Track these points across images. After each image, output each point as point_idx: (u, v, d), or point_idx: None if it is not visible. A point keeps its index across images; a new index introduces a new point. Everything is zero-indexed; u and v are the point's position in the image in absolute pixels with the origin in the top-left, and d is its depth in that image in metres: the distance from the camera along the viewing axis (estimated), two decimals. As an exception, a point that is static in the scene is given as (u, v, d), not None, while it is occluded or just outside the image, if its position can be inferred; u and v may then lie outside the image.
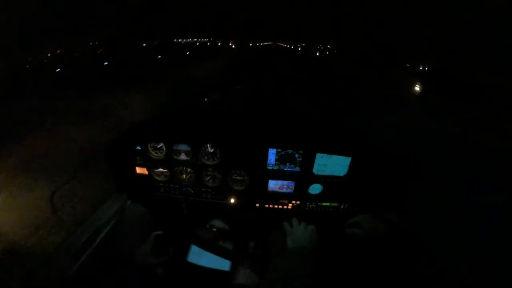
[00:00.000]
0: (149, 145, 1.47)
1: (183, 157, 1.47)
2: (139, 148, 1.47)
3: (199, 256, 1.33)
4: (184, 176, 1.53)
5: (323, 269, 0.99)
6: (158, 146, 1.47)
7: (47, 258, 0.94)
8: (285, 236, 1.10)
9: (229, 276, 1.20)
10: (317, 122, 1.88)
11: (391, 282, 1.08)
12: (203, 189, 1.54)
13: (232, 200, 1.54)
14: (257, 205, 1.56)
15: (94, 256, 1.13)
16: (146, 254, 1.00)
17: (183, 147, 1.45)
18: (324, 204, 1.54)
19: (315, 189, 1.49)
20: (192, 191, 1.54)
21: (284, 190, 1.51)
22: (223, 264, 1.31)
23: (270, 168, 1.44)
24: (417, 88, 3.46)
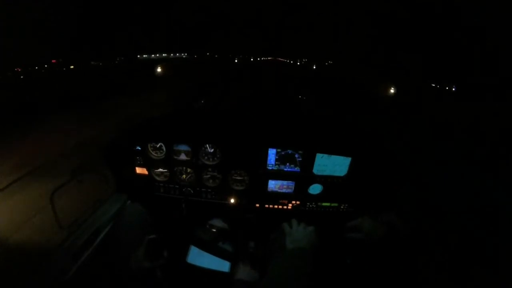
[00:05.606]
0: (149, 145, 1.47)
1: (183, 157, 1.47)
2: (139, 148, 1.47)
3: (198, 257, 1.33)
4: (184, 176, 1.53)
5: (322, 270, 0.98)
6: (158, 146, 1.47)
7: (47, 259, 0.94)
8: (284, 237, 1.10)
9: (229, 277, 1.19)
10: (317, 122, 1.88)
11: (391, 283, 1.08)
12: (203, 189, 1.54)
13: (232, 200, 1.53)
14: (257, 205, 1.56)
15: (94, 257, 1.13)
16: (140, 259, 0.99)
17: (183, 147, 1.45)
18: (324, 204, 1.53)
19: (315, 189, 1.49)
20: (192, 191, 1.54)
21: (284, 190, 1.51)
22: (223, 265, 1.31)
23: (270, 168, 1.44)
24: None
